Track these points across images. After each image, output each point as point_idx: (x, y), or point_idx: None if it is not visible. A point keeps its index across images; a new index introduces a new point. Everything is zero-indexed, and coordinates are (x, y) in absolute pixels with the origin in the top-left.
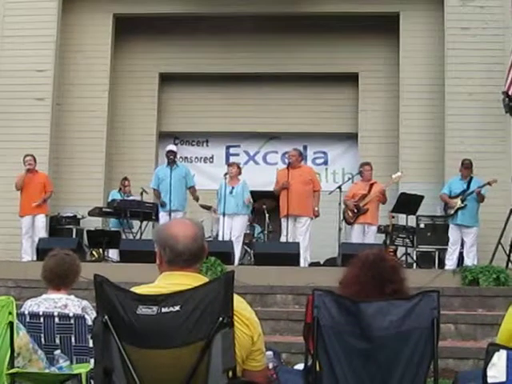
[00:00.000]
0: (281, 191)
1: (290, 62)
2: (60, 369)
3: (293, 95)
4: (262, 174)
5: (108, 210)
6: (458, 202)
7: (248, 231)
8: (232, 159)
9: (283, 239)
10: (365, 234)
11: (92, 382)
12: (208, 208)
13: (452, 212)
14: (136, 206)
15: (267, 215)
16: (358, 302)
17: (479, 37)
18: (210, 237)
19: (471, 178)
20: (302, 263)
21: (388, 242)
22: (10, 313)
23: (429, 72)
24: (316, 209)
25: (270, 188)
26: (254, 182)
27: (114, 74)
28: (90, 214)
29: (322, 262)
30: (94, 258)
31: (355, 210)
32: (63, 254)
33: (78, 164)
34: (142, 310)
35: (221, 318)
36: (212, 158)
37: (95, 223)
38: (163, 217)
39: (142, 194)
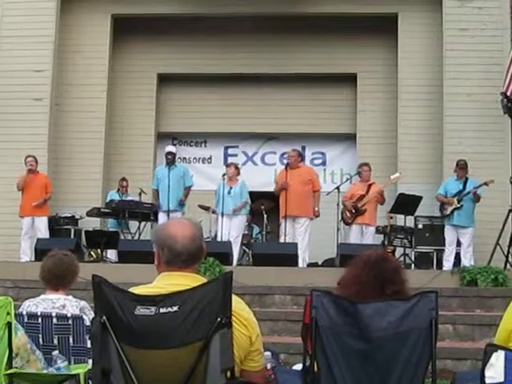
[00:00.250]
0: (280, 192)
1: (288, 63)
2: (58, 369)
3: (291, 96)
4: (261, 175)
5: (106, 210)
6: (454, 203)
7: (246, 232)
8: (230, 160)
9: (283, 240)
10: (363, 235)
11: (90, 382)
12: (206, 209)
13: (448, 212)
14: (134, 206)
15: (265, 216)
16: (356, 303)
17: (477, 38)
18: (208, 237)
19: (467, 179)
20: (301, 264)
21: (386, 242)
22: (8, 313)
23: (427, 73)
24: (316, 209)
25: (269, 188)
26: (252, 182)
27: (112, 75)
28: (89, 214)
29: (320, 263)
30: (92, 259)
31: (353, 211)
32: (61, 254)
33: (76, 164)
34: (140, 310)
35: (219, 319)
36: (210, 158)
37: (93, 224)
38: (162, 217)
39: (140, 194)
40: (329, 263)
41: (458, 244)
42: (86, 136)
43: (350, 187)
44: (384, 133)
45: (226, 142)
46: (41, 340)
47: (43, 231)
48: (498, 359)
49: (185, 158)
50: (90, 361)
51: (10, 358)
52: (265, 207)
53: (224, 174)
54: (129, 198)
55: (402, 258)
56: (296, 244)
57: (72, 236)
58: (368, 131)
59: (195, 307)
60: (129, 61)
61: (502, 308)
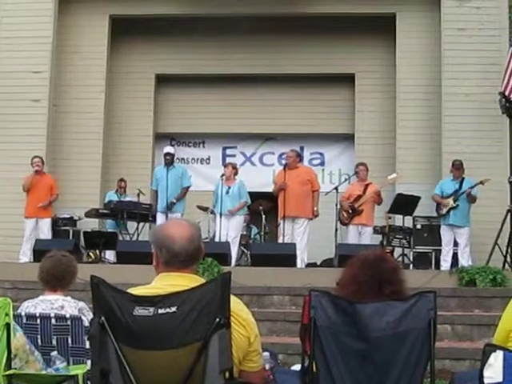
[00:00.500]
0: (279, 192)
1: (286, 63)
2: (57, 370)
3: (289, 96)
4: (259, 175)
5: (104, 211)
6: (450, 202)
7: (245, 232)
8: (228, 160)
9: (281, 240)
10: (360, 235)
11: (89, 383)
12: (205, 209)
13: (444, 212)
14: (132, 207)
15: (264, 216)
16: (354, 303)
17: (476, 37)
18: (206, 238)
19: (463, 179)
20: (299, 264)
21: (385, 242)
22: (7, 314)
23: (425, 73)
24: (315, 209)
25: (267, 189)
26: (250, 183)
27: (110, 76)
28: (87, 215)
29: (318, 263)
30: (90, 260)
31: (350, 211)
32: (60, 255)
33: (74, 165)
34: (139, 311)
35: (217, 319)
36: (208, 159)
37: (92, 224)
38: (160, 218)
39: (138, 195)
40: (327, 263)
41: (456, 244)
42: (84, 137)
43: (348, 187)
44: (382, 133)
45: (225, 142)
46: (39, 341)
47: (46, 233)
48: (496, 359)
49: (183, 159)
50: (89, 361)
51: (9, 359)
52: (263, 208)
53: (222, 175)
54: (127, 199)
55: (400, 258)
56: (294, 244)
57: (70, 237)
58: (366, 131)
59: (194, 308)
60: (127, 61)
61: (501, 308)
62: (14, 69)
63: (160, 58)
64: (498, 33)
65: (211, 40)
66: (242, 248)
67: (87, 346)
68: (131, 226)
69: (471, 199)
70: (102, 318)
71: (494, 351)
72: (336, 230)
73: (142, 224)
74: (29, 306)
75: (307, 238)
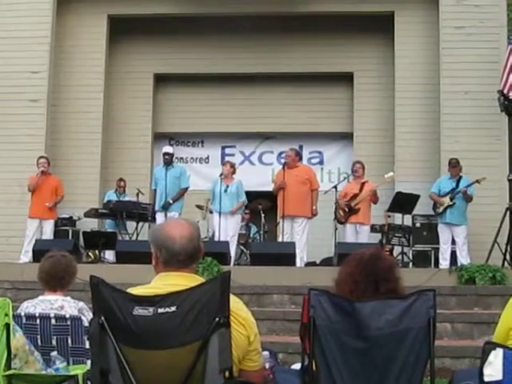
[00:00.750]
0: (278, 191)
1: (284, 62)
2: (57, 370)
3: (288, 95)
4: (258, 175)
5: (104, 211)
6: (446, 201)
7: (244, 231)
8: (228, 160)
9: (280, 239)
10: (358, 234)
11: (89, 383)
12: (204, 208)
13: (440, 210)
14: (132, 207)
15: (263, 215)
16: (353, 302)
17: (474, 35)
18: (205, 237)
19: (460, 177)
20: (299, 263)
21: (384, 241)
22: (7, 314)
23: (424, 71)
24: (314, 207)
25: (266, 188)
26: (249, 182)
27: (108, 75)
28: (86, 215)
29: (318, 262)
30: (90, 260)
31: (347, 210)
32: (59, 255)
33: (73, 165)
34: (139, 310)
35: (217, 319)
36: (207, 158)
37: (91, 224)
38: (159, 217)
39: (137, 194)
40: (327, 262)
41: (454, 242)
42: (83, 137)
43: (344, 186)
44: (381, 131)
45: (223, 141)
46: (39, 341)
47: (48, 234)
48: (496, 357)
49: (182, 158)
50: (89, 361)
51: (9, 360)
52: (262, 207)
53: (221, 174)
54: (126, 199)
55: (399, 257)
56: (294, 243)
57: (70, 237)
58: (365, 130)
59: (193, 307)
60: (125, 61)
61: (501, 306)
62: (13, 69)
63: (158, 58)
64: (497, 30)
65: (210, 39)
66: (242, 247)
67: (87, 346)
68: (130, 225)
69: (467, 198)
70: (102, 318)
71: (494, 349)
72: (336, 228)
73: (141, 224)
74: (28, 307)
75: (306, 236)
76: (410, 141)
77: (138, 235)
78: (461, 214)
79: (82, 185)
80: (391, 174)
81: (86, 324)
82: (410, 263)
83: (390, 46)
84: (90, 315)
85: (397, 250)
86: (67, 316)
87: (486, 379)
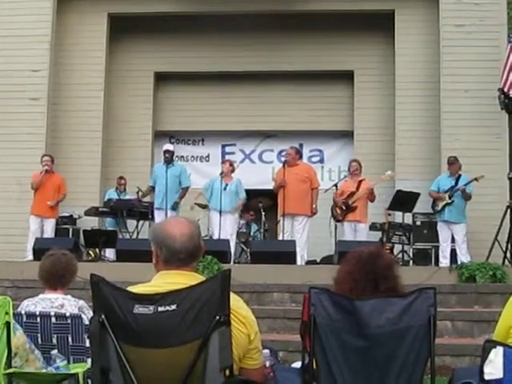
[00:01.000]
0: (278, 190)
1: (285, 60)
2: (57, 368)
3: (288, 93)
4: (258, 173)
5: (104, 209)
6: (445, 198)
7: (244, 230)
8: (228, 158)
9: (281, 238)
10: (355, 232)
11: (89, 381)
12: (204, 207)
13: (439, 208)
14: (132, 205)
15: (263, 214)
16: (354, 300)
17: (474, 34)
18: (206, 235)
19: (460, 175)
20: (299, 261)
21: (384, 239)
22: (7, 313)
23: (424, 69)
24: (314, 206)
25: (266, 186)
26: (250, 180)
27: (109, 74)
28: (87, 213)
29: (318, 260)
30: (90, 258)
31: (344, 208)
32: (60, 253)
33: (74, 164)
34: (139, 309)
35: (217, 317)
36: (208, 156)
37: (91, 223)
38: (158, 216)
39: (138, 193)
40: (327, 260)
41: (453, 240)
42: (84, 135)
43: (342, 184)
44: (381, 130)
45: (224, 140)
46: (40, 339)
47: (49, 233)
48: (496, 355)
49: (182, 157)
50: (89, 360)
51: (9, 358)
52: (263, 205)
53: (222, 173)
54: (127, 197)
55: (400, 255)
56: (294, 241)
57: (70, 235)
58: (365, 128)
59: (193, 306)
60: (126, 59)
61: (501, 304)
62: (13, 67)
63: (159, 56)
64: (497, 29)
65: (210, 38)
66: (242, 245)
67: (87, 344)
68: (131, 224)
69: (466, 196)
70: (102, 316)
71: (494, 347)
72: (336, 227)
73: (141, 222)
74: (29, 305)
75: (307, 235)
76: (410, 139)
77: (138, 233)
78: (459, 212)
79: (82, 183)
80: (389, 172)
81: (87, 322)
82: (411, 261)
83: (391, 44)
84: (91, 313)
85: (397, 248)
86: (67, 314)
87: (487, 377)
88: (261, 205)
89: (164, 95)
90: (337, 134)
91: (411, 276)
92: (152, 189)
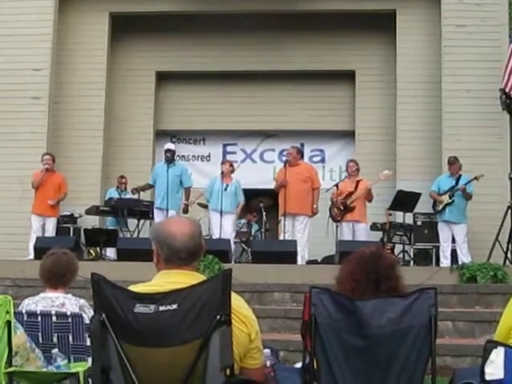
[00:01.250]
0: (279, 189)
1: (286, 60)
2: (58, 367)
3: (290, 93)
4: (259, 172)
5: (105, 208)
6: (445, 199)
7: (245, 229)
8: (229, 157)
9: (282, 237)
10: (355, 232)
11: (90, 380)
12: (205, 206)
13: (439, 209)
14: (133, 204)
15: (264, 213)
16: (355, 300)
17: (476, 34)
18: (207, 235)
19: (460, 176)
20: (300, 261)
21: (385, 239)
22: (8, 312)
23: (425, 69)
24: (314, 206)
25: (267, 186)
26: (251, 180)
27: (110, 73)
28: (88, 212)
29: (319, 260)
30: (91, 257)
31: (342, 208)
32: (61, 252)
33: (75, 163)
34: (140, 308)
35: (218, 316)
36: (209, 156)
37: (92, 222)
38: (158, 215)
39: (132, 191)
40: (328, 260)
41: (454, 241)
42: (85, 134)
43: (340, 184)
44: (382, 129)
45: (225, 139)
46: (40, 338)
47: (51, 232)
48: (497, 356)
49: (183, 156)
50: (90, 359)
51: (10, 357)
52: (264, 205)
53: (222, 173)
54: (127, 196)
55: (401, 255)
56: (295, 241)
57: (71, 234)
58: (366, 128)
59: (194, 305)
60: (127, 59)
61: (502, 304)
62: (15, 66)
63: (160, 56)
64: (499, 29)
65: (212, 37)
66: (243, 245)
67: (88, 343)
68: (132, 223)
69: (466, 196)
70: (103, 316)
71: (495, 348)
72: (337, 226)
73: (142, 221)
74: (29, 304)
75: (308, 234)
76: (411, 139)
77: (139, 233)
78: (460, 212)
79: (83, 182)
80: (386, 172)
81: (87, 321)
82: (411, 261)
83: (392, 44)
84: (91, 312)
85: (398, 248)
86: (68, 313)
87: (488, 378)
88: (262, 204)
89: (165, 94)
90: (338, 134)
91: (412, 276)
92: (150, 186)
